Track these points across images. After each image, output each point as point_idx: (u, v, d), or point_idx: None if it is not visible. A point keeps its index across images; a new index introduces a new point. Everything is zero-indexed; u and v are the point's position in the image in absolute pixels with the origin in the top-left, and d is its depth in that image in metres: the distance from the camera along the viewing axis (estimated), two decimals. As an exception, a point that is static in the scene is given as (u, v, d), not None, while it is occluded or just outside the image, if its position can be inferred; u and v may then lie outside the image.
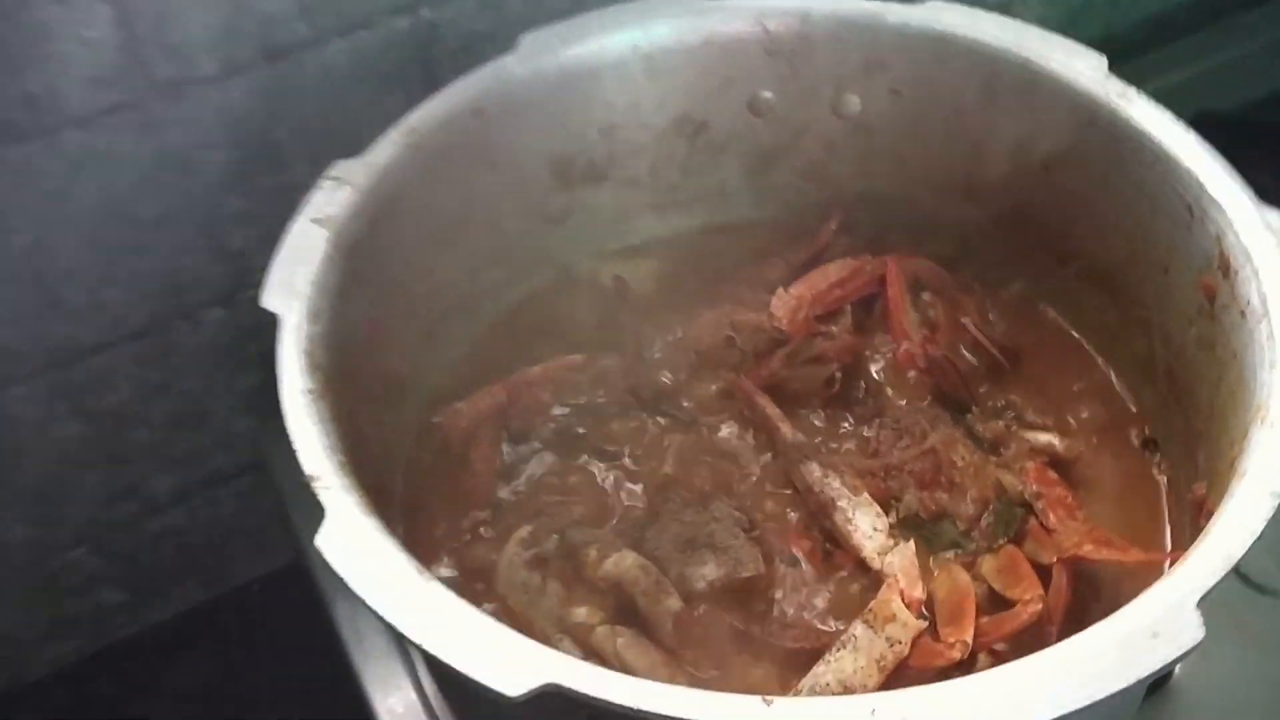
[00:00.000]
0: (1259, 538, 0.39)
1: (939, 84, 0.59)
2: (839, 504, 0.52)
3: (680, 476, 0.55)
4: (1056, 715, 0.34)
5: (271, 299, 0.48)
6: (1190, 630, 0.36)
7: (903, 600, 0.48)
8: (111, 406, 0.75)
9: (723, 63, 0.61)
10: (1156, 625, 0.36)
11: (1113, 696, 0.34)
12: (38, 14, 0.60)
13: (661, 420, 0.58)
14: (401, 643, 0.61)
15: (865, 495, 0.52)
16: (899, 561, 0.50)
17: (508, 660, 0.37)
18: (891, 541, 0.51)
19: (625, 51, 0.60)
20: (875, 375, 0.58)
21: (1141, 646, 0.35)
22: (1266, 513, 0.39)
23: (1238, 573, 0.60)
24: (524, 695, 0.36)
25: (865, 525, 0.51)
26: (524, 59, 0.59)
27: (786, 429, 0.55)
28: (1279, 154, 0.76)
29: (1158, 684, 0.58)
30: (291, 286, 0.49)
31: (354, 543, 0.40)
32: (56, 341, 0.71)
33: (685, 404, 0.58)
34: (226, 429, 0.81)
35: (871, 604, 0.48)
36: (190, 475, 0.82)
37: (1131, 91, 0.53)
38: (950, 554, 0.52)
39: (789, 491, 0.54)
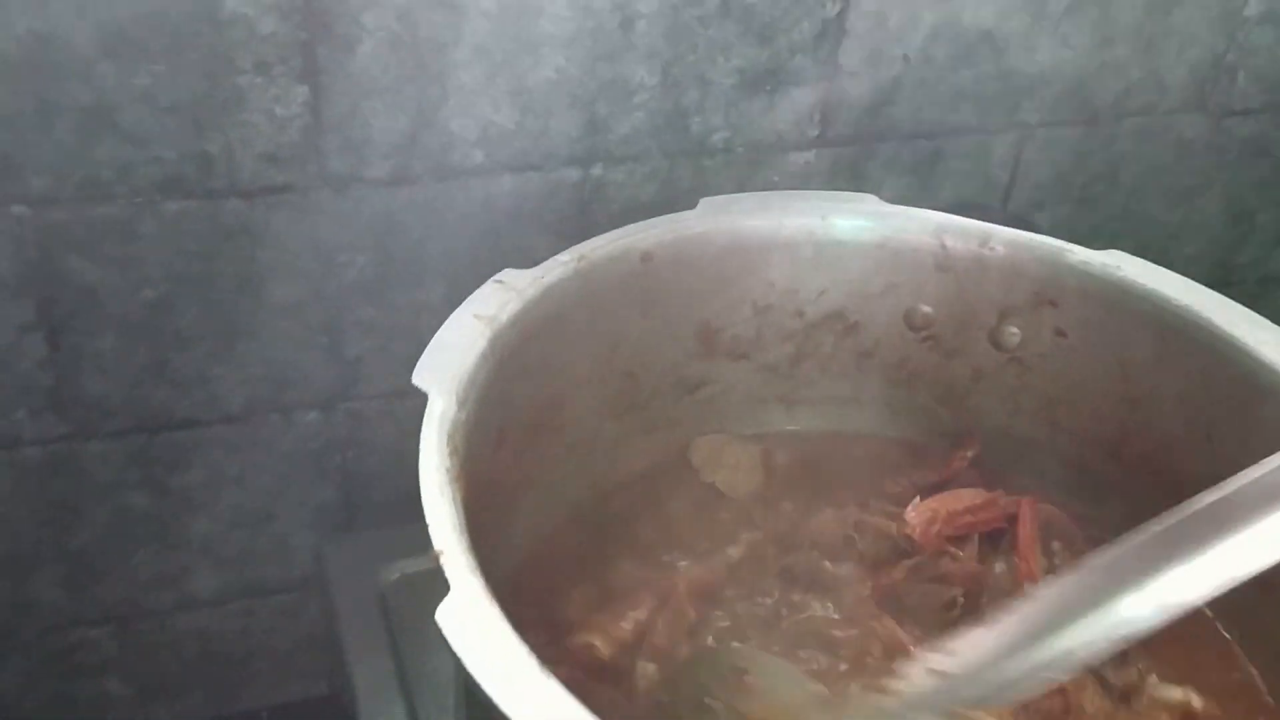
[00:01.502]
0: None
1: (1108, 332, 0.59)
2: None
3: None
4: None
5: (423, 377, 0.47)
6: None
7: None
8: (181, 486, 0.73)
9: (891, 268, 0.61)
10: None
11: None
12: (238, 79, 0.61)
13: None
14: None
15: None
16: None
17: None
18: None
19: (799, 234, 0.61)
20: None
21: None
22: None
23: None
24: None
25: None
26: (701, 217, 0.59)
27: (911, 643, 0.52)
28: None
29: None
30: (445, 369, 0.47)
31: (474, 622, 0.38)
32: (151, 407, 0.70)
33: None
34: (285, 539, 0.78)
35: None
36: (235, 579, 0.78)
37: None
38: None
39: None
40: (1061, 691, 0.50)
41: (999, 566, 0.58)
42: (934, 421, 0.65)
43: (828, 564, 0.56)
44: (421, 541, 0.72)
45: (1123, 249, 0.63)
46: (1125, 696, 0.52)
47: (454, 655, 0.38)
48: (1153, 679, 0.53)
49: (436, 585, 0.40)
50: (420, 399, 0.75)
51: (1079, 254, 0.59)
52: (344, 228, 0.68)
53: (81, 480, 0.71)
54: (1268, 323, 0.55)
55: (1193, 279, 0.83)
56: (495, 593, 0.39)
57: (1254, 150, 0.88)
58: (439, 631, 0.53)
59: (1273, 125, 0.88)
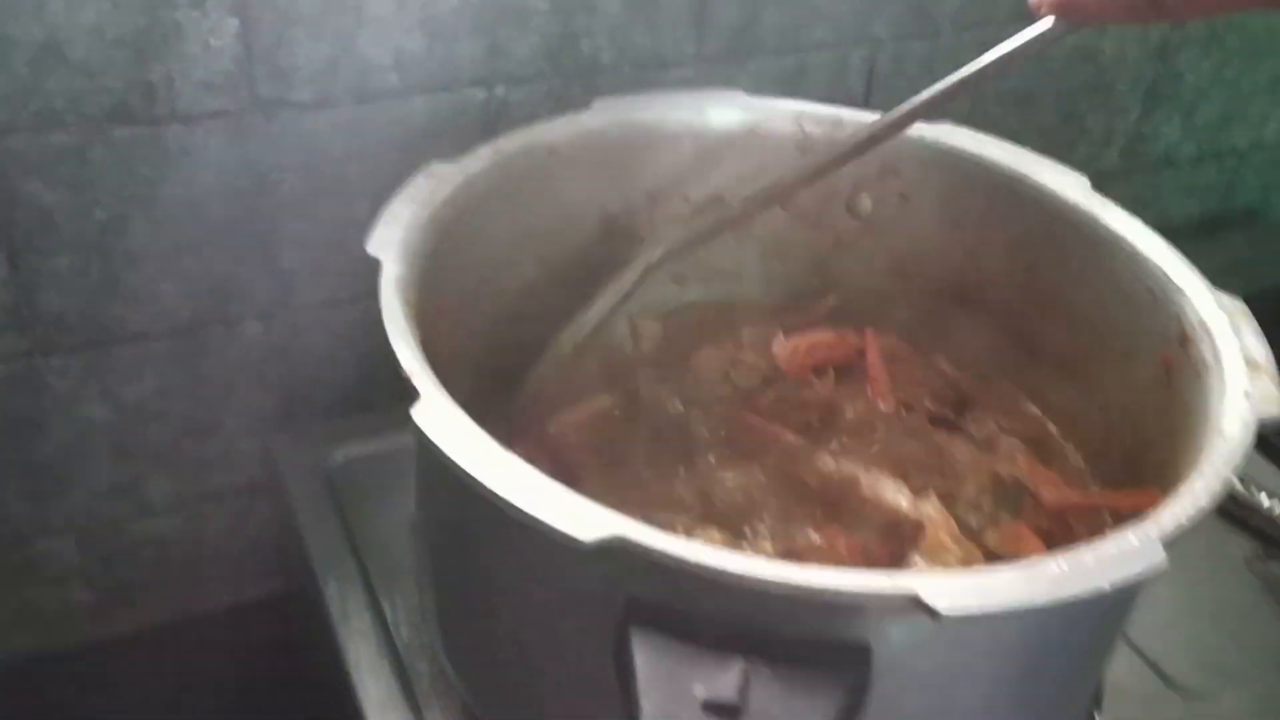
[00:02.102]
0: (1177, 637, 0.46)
1: (945, 193, 0.69)
2: (860, 478, 0.58)
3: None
4: (1018, 606, 0.41)
5: (374, 248, 0.55)
6: (1154, 558, 0.43)
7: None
8: (135, 398, 0.80)
9: (760, 152, 0.71)
10: (1125, 551, 0.43)
11: (1077, 601, 0.41)
12: (176, 14, 0.69)
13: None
14: (404, 674, 0.65)
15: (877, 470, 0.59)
16: (930, 508, 0.56)
17: (581, 515, 0.42)
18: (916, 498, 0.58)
19: (681, 127, 0.70)
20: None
21: (1120, 564, 0.42)
22: (1221, 484, 0.46)
23: (1164, 679, 0.68)
24: (595, 542, 0.41)
25: (890, 488, 0.58)
26: (596, 115, 0.68)
27: (792, 436, 0.62)
28: None
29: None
30: (392, 242, 0.56)
31: (444, 420, 0.46)
32: (105, 321, 0.76)
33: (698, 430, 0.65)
34: (233, 445, 0.85)
35: (922, 540, 0.55)
36: (187, 485, 0.85)
37: (1109, 203, 0.64)
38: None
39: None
40: (936, 447, 0.61)
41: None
42: (805, 286, 0.75)
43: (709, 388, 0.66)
44: (360, 429, 0.81)
45: None
46: (988, 445, 0.63)
47: (421, 450, 0.47)
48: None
49: (406, 399, 0.49)
50: (349, 310, 0.83)
51: (915, 127, 0.69)
52: (274, 149, 0.76)
53: (42, 394, 0.77)
54: (1069, 169, 0.66)
55: None
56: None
57: (1080, 57, 1.00)
58: (387, 503, 0.62)
59: (1096, 34, 1.00)
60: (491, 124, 0.80)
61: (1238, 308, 0.57)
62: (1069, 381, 0.66)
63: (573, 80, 0.82)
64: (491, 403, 0.65)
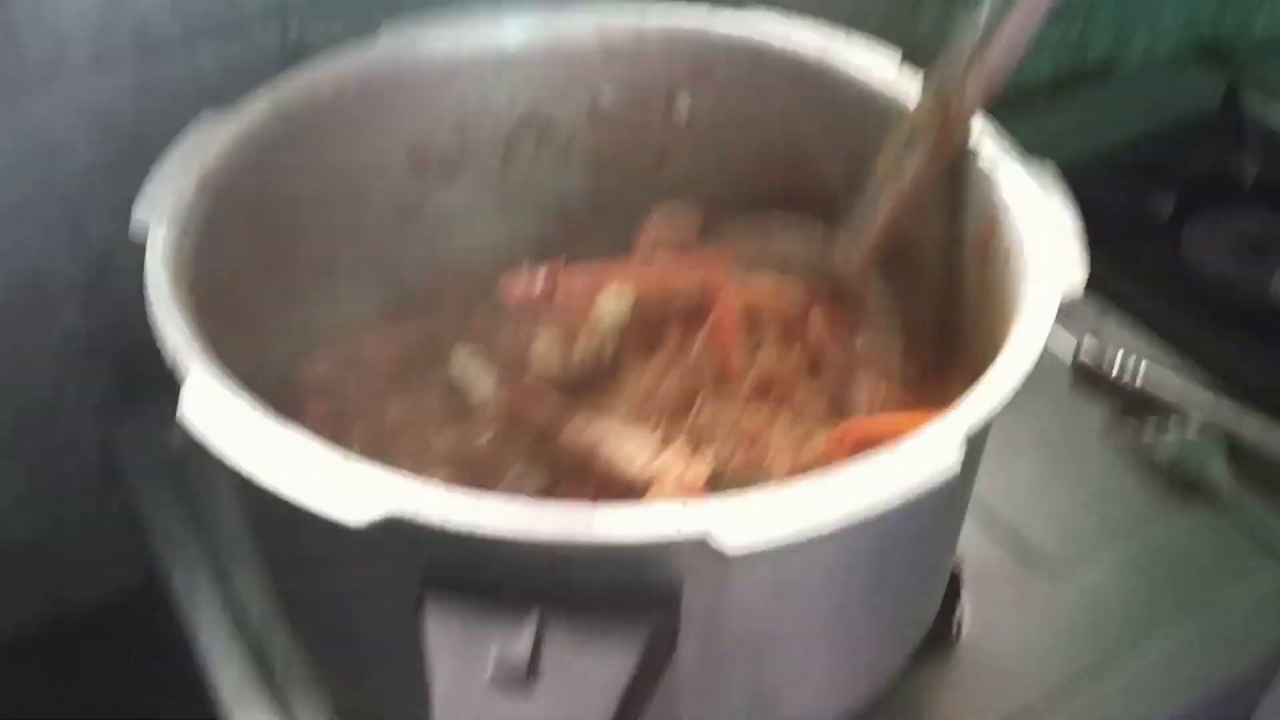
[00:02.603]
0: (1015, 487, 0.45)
1: (757, 88, 0.67)
2: (602, 444, 0.56)
3: None
4: (836, 524, 0.39)
5: (142, 209, 0.52)
6: (952, 454, 0.41)
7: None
8: (-38, 397, 0.76)
9: (566, 64, 0.68)
10: (928, 452, 0.42)
11: (879, 516, 0.40)
12: (-81, -13, 0.64)
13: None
14: (260, 656, 0.63)
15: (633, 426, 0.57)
16: (670, 456, 0.55)
17: (353, 494, 0.40)
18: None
19: (478, 49, 0.67)
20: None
21: (918, 467, 0.41)
22: (1021, 374, 0.45)
23: (1026, 556, 0.68)
24: (368, 523, 0.39)
25: (631, 447, 0.56)
26: (383, 47, 0.65)
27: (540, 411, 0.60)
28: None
29: (943, 647, 0.64)
30: (161, 204, 0.53)
31: (211, 400, 0.44)
32: (-93, 325, 0.72)
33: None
34: (76, 435, 0.82)
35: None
36: (33, 485, 0.82)
37: (920, 79, 0.62)
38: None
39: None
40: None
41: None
42: (634, 201, 0.72)
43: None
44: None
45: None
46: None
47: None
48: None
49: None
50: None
51: (721, 21, 0.67)
52: (61, 118, 0.71)
53: None
54: (882, 47, 0.64)
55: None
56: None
57: (908, -72, 0.98)
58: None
59: (919, -97, 0.97)
60: (291, 62, 0.76)
61: (1047, 175, 0.56)
62: (902, 268, 0.65)
63: (374, 9, 0.78)
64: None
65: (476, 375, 0.63)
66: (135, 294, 0.78)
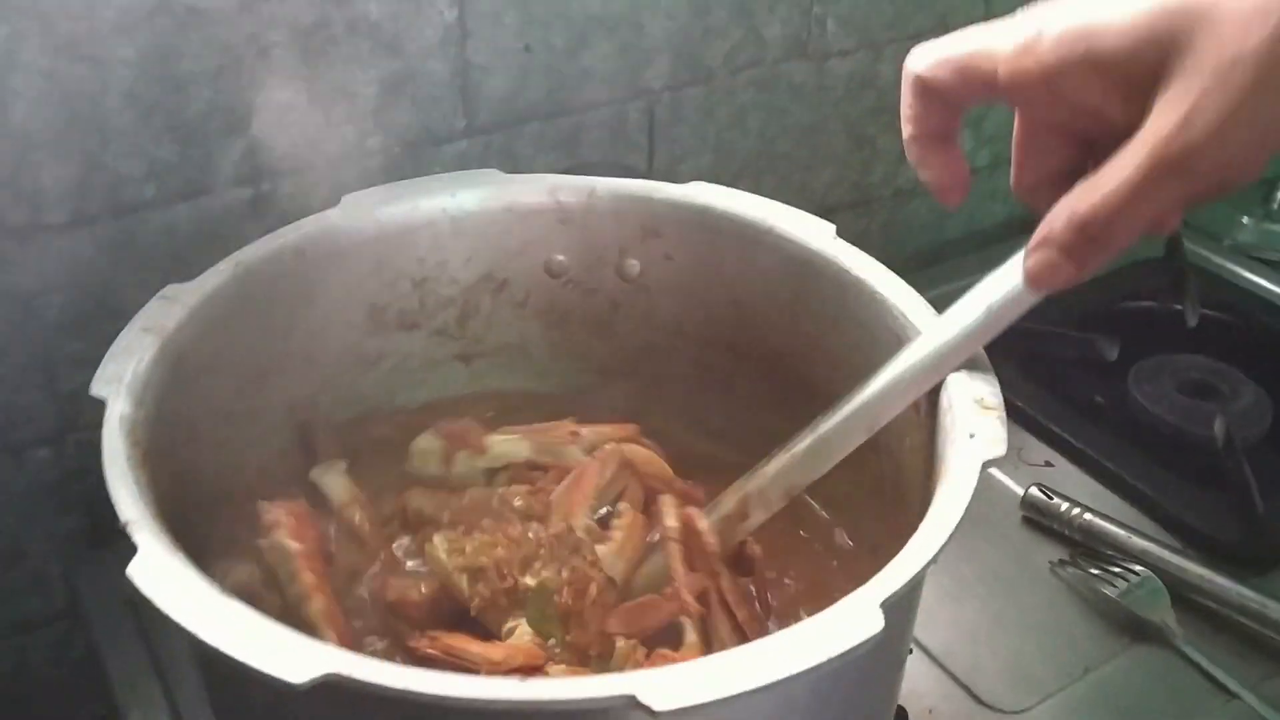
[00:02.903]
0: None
1: (704, 249, 0.70)
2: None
3: None
4: (736, 692, 0.41)
5: (99, 387, 0.54)
6: (873, 622, 0.43)
7: None
8: (-75, 539, 0.77)
9: (521, 227, 0.71)
10: (848, 620, 0.44)
11: (809, 673, 0.42)
12: (-100, 155, 0.67)
13: None
14: None
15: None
16: None
17: (294, 654, 0.42)
18: None
19: (436, 213, 0.70)
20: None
21: (837, 634, 0.43)
22: (940, 541, 0.47)
23: (974, 698, 0.70)
24: (308, 683, 0.41)
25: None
26: (345, 213, 0.68)
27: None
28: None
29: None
30: (120, 379, 0.55)
31: (161, 572, 0.45)
32: (-121, 468, 0.74)
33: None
34: (41, 573, 0.83)
35: None
36: (1, 620, 0.83)
37: (852, 249, 0.65)
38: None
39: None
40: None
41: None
42: (589, 352, 0.75)
43: None
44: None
45: (765, 185, 0.71)
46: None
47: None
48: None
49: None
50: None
51: (667, 189, 0.70)
52: (35, 274, 0.74)
53: None
54: (817, 219, 0.67)
55: (833, 202, 0.98)
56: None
57: (859, 84, 1.02)
58: None
59: (870, 61, 1.02)
60: (262, 219, 0.79)
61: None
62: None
63: (343, 167, 0.81)
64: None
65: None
66: (100, 442, 0.81)
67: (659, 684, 0.41)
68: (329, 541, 0.64)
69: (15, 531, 0.81)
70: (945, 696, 0.71)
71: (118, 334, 0.76)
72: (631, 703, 0.41)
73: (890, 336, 0.62)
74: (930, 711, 0.70)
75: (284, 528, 0.60)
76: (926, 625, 0.74)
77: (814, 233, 0.66)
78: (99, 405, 0.79)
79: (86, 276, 0.76)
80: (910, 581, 0.46)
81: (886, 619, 0.44)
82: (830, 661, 0.43)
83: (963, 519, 0.49)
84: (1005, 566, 0.79)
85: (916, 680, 0.71)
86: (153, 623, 0.74)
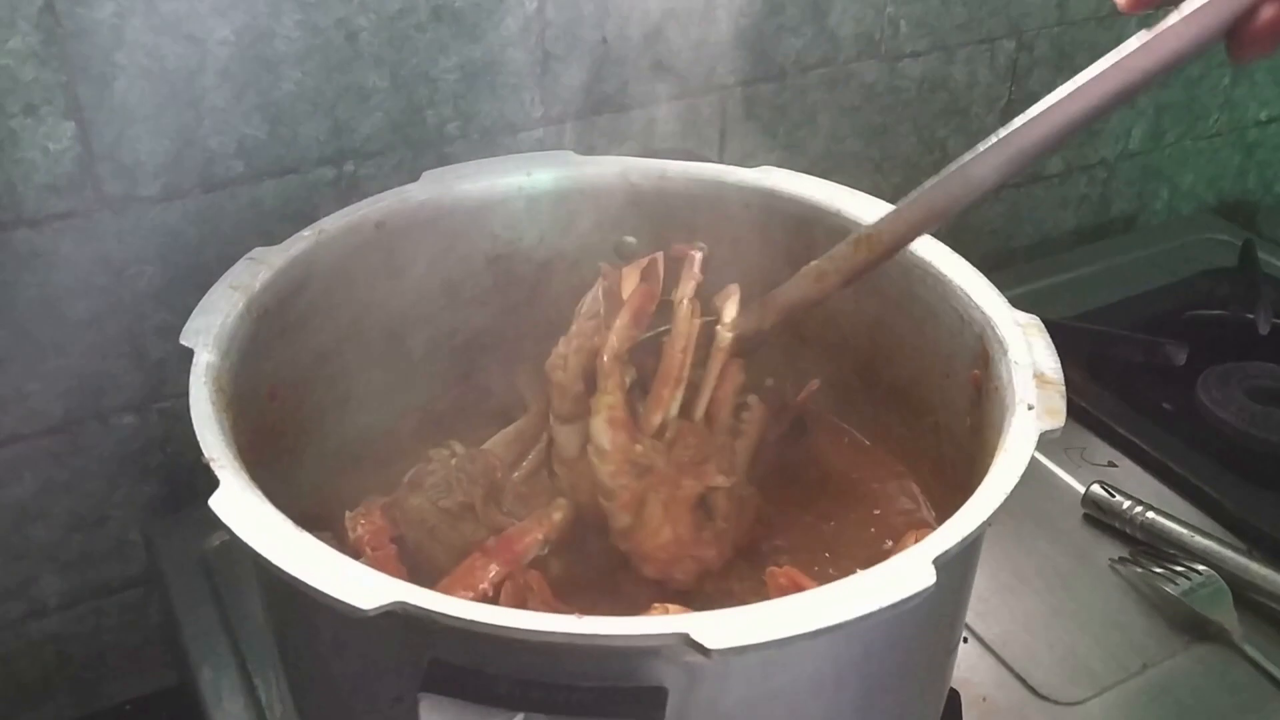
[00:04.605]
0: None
1: (769, 232, 0.71)
2: None
3: None
4: (786, 635, 0.42)
5: (189, 338, 0.57)
6: (924, 580, 0.44)
7: None
8: (15, 499, 0.81)
9: (593, 208, 0.73)
10: (899, 574, 0.45)
11: (848, 627, 0.43)
12: (9, 122, 0.71)
13: None
14: None
15: None
16: None
17: (361, 584, 0.44)
18: None
19: (511, 190, 0.72)
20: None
21: (888, 587, 0.44)
22: (995, 504, 0.48)
23: (1029, 688, 0.70)
24: (375, 610, 0.43)
25: None
26: (423, 188, 0.70)
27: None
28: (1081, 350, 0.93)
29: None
30: (208, 330, 0.57)
31: (241, 505, 0.48)
32: (-24, 426, 0.78)
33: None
34: (122, 537, 0.86)
35: None
36: (80, 581, 0.86)
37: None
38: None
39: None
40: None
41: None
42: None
43: None
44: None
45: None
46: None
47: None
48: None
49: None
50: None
51: (737, 173, 0.72)
52: (128, 243, 0.77)
53: (-79, 502, 0.78)
54: (878, 200, 0.68)
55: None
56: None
57: (930, 86, 1.03)
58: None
59: (941, 63, 1.02)
60: (344, 199, 0.82)
61: (1033, 323, 0.59)
62: (901, 405, 0.68)
63: (423, 151, 0.84)
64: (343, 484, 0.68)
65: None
66: (185, 409, 0.83)
67: (713, 624, 0.43)
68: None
69: (99, 496, 0.84)
70: (1000, 685, 0.71)
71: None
72: (685, 641, 0.42)
73: (954, 317, 0.63)
74: (984, 699, 0.70)
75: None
76: (984, 616, 0.74)
77: (868, 207, 0.67)
78: (183, 375, 0.83)
79: (176, 248, 0.79)
80: (963, 540, 0.47)
81: (939, 577, 0.45)
82: (881, 611, 0.43)
83: (1018, 486, 0.50)
84: (1065, 562, 0.79)
85: (971, 668, 0.71)
86: (227, 588, 0.77)
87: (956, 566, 0.48)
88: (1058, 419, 0.53)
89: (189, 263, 0.79)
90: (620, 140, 0.91)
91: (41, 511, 0.82)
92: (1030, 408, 0.53)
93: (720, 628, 0.42)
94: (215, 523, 0.79)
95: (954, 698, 0.66)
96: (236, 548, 0.76)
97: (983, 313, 0.60)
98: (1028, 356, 0.57)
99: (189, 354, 0.81)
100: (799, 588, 0.55)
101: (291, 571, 0.44)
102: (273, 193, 0.80)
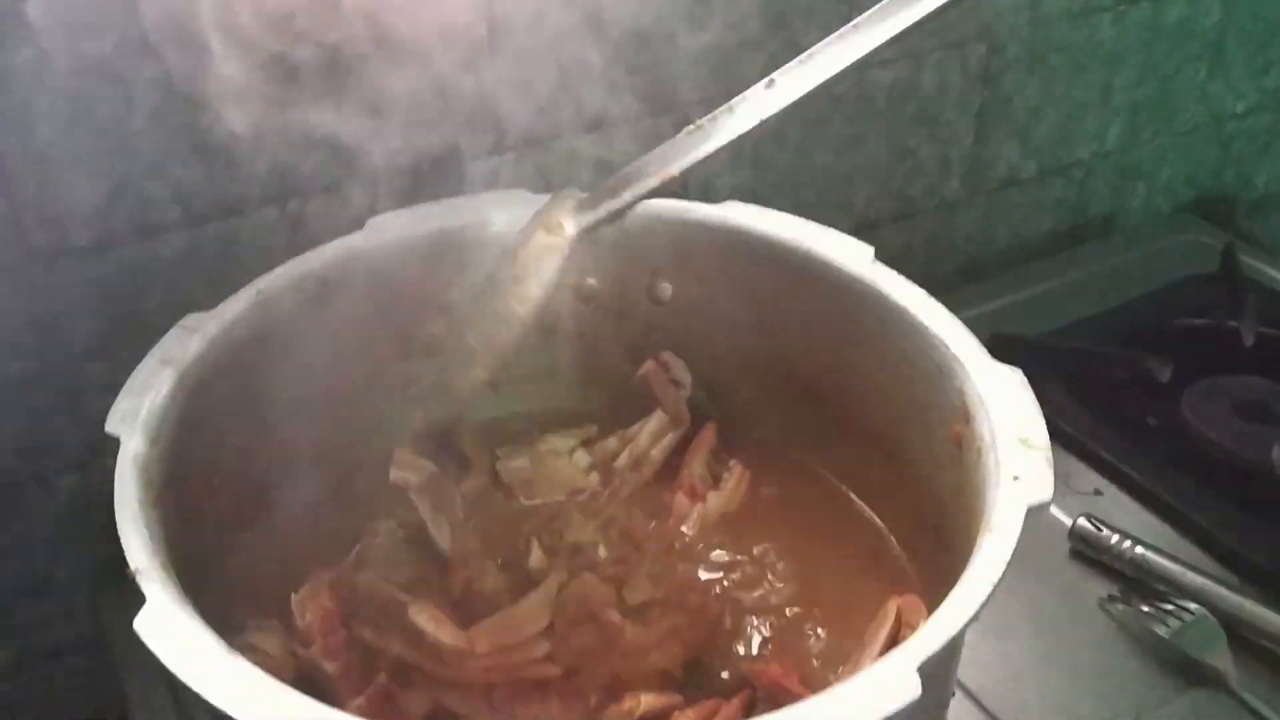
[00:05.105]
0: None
1: (736, 272, 0.68)
2: None
3: None
4: None
5: (114, 424, 0.53)
6: (910, 688, 0.41)
7: None
8: (-47, 567, 0.77)
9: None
10: (885, 684, 0.41)
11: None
12: (-73, 177, 0.66)
13: None
14: None
15: None
16: None
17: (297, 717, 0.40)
18: None
19: (463, 237, 0.68)
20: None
21: (872, 703, 0.41)
22: (981, 598, 0.45)
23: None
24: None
25: None
26: (368, 237, 0.66)
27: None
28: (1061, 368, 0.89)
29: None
30: (135, 415, 0.53)
31: (168, 626, 0.44)
32: (-95, 494, 0.73)
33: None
34: (69, 600, 0.82)
35: None
36: (27, 646, 0.82)
37: (892, 274, 0.62)
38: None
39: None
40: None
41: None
42: (621, 376, 0.73)
43: None
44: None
45: (804, 199, 0.67)
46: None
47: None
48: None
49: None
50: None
51: (700, 210, 0.68)
52: (60, 298, 0.73)
53: None
54: (854, 240, 0.65)
55: (874, 216, 0.95)
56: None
57: (901, 94, 1.00)
58: None
59: (911, 70, 0.99)
60: (292, 238, 0.78)
61: (1015, 378, 0.56)
62: (880, 454, 0.65)
63: (369, 185, 0.80)
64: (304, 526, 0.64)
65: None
66: (130, 466, 0.80)
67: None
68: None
69: (43, 560, 0.80)
70: (989, 738, 0.68)
71: (143, 358, 0.76)
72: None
73: (932, 367, 0.59)
74: (973, 753, 0.67)
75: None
76: (969, 664, 0.71)
77: (852, 256, 0.64)
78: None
79: (112, 300, 0.75)
80: (949, 643, 0.44)
81: (924, 679, 0.42)
82: (871, 725, 0.40)
83: (1006, 571, 0.46)
84: (1052, 603, 0.76)
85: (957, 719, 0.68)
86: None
87: (942, 663, 0.45)
88: (1045, 490, 0.50)
89: (126, 313, 0.75)
90: (580, 165, 0.87)
91: (-15, 577, 0.78)
92: (1016, 478, 0.50)
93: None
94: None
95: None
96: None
97: (962, 366, 0.57)
98: (1011, 416, 0.54)
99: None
100: (782, 687, 0.52)
101: (220, 705, 0.41)
102: (212, 237, 0.76)
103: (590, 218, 0.67)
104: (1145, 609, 0.73)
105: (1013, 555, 0.47)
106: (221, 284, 0.75)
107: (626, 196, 0.66)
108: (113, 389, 0.76)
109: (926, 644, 0.43)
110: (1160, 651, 0.72)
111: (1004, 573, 0.46)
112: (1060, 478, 0.51)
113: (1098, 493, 0.83)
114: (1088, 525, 0.78)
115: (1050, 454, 0.52)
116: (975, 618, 0.45)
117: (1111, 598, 0.75)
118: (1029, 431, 0.53)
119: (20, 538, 0.79)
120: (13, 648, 0.82)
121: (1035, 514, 0.49)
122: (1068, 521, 0.80)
